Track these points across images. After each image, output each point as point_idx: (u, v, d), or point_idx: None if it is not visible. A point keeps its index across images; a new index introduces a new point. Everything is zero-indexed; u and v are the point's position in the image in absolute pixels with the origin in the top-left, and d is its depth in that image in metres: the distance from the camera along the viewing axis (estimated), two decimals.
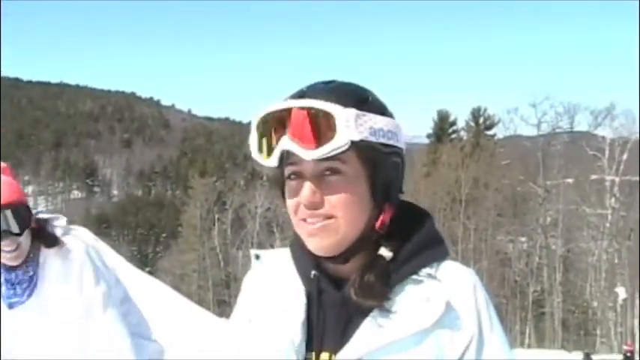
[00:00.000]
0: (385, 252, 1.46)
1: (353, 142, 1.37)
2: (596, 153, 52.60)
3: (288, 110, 1.39)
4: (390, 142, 1.44)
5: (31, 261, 3.03)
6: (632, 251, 46.20)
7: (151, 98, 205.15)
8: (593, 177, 53.74)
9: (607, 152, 51.89)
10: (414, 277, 1.45)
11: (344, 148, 1.36)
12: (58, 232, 3.10)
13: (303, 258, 1.53)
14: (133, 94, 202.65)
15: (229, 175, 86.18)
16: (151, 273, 41.99)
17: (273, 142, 1.42)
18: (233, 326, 1.67)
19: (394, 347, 1.39)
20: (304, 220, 1.44)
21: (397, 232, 1.48)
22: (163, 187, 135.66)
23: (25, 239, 2.96)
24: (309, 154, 1.37)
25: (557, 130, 54.72)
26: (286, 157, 1.42)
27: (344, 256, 1.45)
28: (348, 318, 1.46)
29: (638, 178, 50.13)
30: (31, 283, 3.03)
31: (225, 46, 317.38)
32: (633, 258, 45.53)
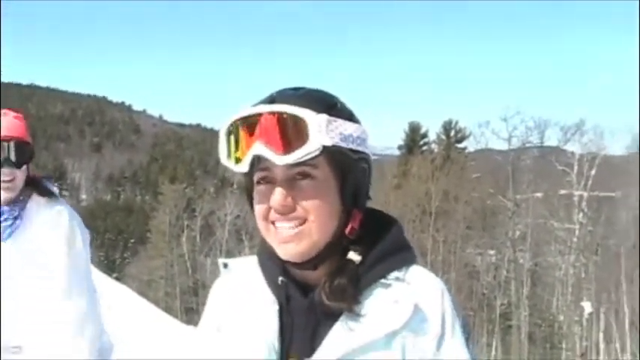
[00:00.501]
0: (354, 256, 1.47)
1: (324, 148, 1.38)
2: (565, 168, 53.02)
3: (259, 115, 1.40)
4: (359, 149, 1.46)
5: (19, 202, 3.20)
6: (598, 266, 46.70)
7: (123, 103, 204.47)
8: (562, 192, 54.19)
9: (576, 167, 52.35)
10: (383, 280, 1.47)
11: (316, 153, 1.38)
12: (52, 188, 3.33)
13: (271, 265, 1.54)
14: (104, 98, 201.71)
15: (199, 181, 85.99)
16: (118, 279, 41.88)
17: (244, 147, 1.42)
18: (203, 335, 1.65)
19: (364, 350, 1.41)
20: (274, 225, 1.44)
21: (365, 238, 1.50)
22: (133, 193, 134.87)
23: (21, 176, 3.19)
24: (281, 159, 1.38)
25: (528, 145, 55.12)
26: (256, 163, 1.42)
27: (313, 262, 1.46)
28: (316, 323, 1.46)
29: (606, 194, 50.72)
30: (14, 224, 3.16)
31: (197, 53, 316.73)
32: (599, 273, 46.06)
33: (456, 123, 62.33)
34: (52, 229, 3.19)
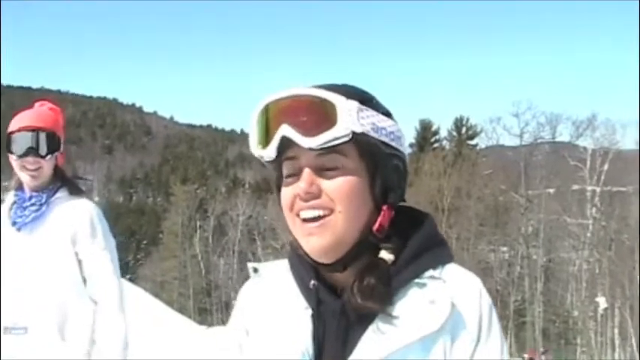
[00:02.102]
0: (386, 255, 1.40)
1: (354, 136, 1.34)
2: (578, 163, 52.89)
3: (290, 99, 1.36)
4: (393, 144, 1.40)
5: (48, 191, 3.28)
6: (612, 261, 46.48)
7: (133, 105, 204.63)
8: (575, 187, 54.04)
9: (588, 163, 52.22)
10: (417, 280, 1.39)
11: (345, 139, 1.33)
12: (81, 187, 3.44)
13: (301, 268, 1.47)
14: (115, 100, 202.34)
15: (211, 182, 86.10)
16: (131, 280, 42.06)
17: (272, 131, 1.37)
18: (233, 340, 1.59)
19: (399, 354, 1.34)
20: (299, 216, 1.38)
21: (397, 236, 1.42)
22: (144, 194, 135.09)
23: (48, 166, 3.26)
24: (308, 142, 1.33)
25: (540, 141, 54.98)
26: (285, 152, 1.37)
27: (342, 262, 1.39)
28: (348, 327, 1.40)
29: (618, 189, 50.52)
30: (39, 210, 3.23)
31: (208, 54, 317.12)
32: (614, 268, 45.82)
33: (467, 120, 62.39)
34: (89, 224, 3.26)
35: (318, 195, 1.35)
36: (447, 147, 61.14)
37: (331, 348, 1.41)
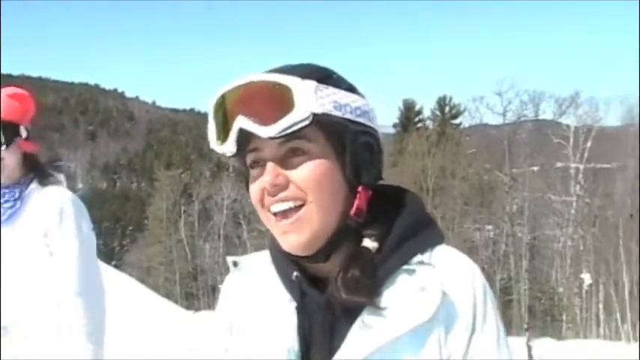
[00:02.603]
0: (369, 243, 1.32)
1: (316, 118, 1.25)
2: (561, 141, 53.14)
3: (243, 87, 1.28)
4: (360, 120, 1.31)
5: (20, 185, 3.15)
6: (596, 238, 46.84)
7: (115, 90, 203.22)
8: (558, 165, 54.32)
9: (571, 140, 52.48)
10: (406, 267, 1.31)
11: (305, 122, 1.24)
12: (55, 176, 3.27)
13: (283, 260, 1.39)
14: (96, 85, 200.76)
15: (195, 166, 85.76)
16: (117, 267, 41.98)
17: (228, 124, 1.29)
18: (216, 339, 1.52)
19: (390, 348, 1.26)
20: (269, 210, 1.30)
21: (381, 219, 1.34)
22: (129, 180, 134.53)
23: (9, 157, 3.11)
24: (266, 131, 1.24)
25: (523, 119, 55.16)
26: (246, 144, 1.29)
27: (323, 253, 1.31)
28: (335, 320, 1.32)
29: (602, 165, 50.80)
30: (14, 206, 3.12)
31: (189, 36, 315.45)
32: (598, 244, 46.21)
33: (451, 99, 62.48)
34: (58, 213, 3.10)
35: (285, 186, 1.28)
36: (431, 127, 61.22)
37: (318, 343, 1.34)
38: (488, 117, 57.28)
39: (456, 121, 61.47)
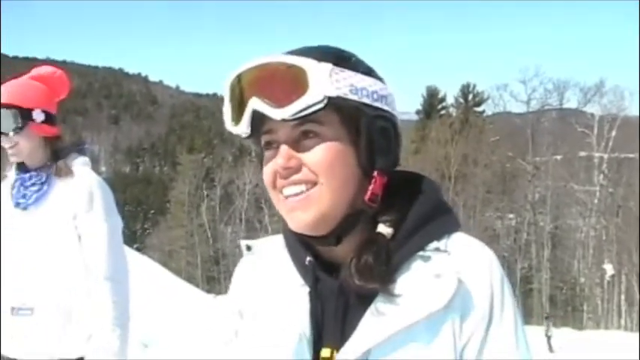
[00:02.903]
0: (384, 228, 1.29)
1: (331, 101, 1.22)
2: (585, 130, 52.74)
3: (258, 68, 1.26)
4: (376, 104, 1.28)
5: (46, 168, 3.17)
6: (619, 228, 46.49)
7: (139, 74, 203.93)
8: (582, 154, 53.91)
9: (596, 129, 52.05)
10: (421, 253, 1.28)
11: (319, 106, 1.21)
12: (80, 160, 3.27)
13: (297, 244, 1.37)
14: (120, 70, 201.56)
15: (217, 151, 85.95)
16: (139, 250, 42.20)
17: (242, 105, 1.27)
18: (227, 322, 1.51)
19: (403, 336, 1.24)
20: (282, 192, 1.28)
21: (398, 205, 1.32)
22: (151, 164, 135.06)
23: (24, 141, 3.13)
24: (279, 113, 1.22)
25: (547, 107, 54.81)
26: (260, 126, 1.27)
27: (334, 235, 1.29)
28: (347, 307, 1.30)
29: (626, 155, 50.34)
30: (41, 190, 3.16)
31: (213, 21, 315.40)
32: (621, 235, 45.85)
33: (474, 86, 62.15)
34: (88, 197, 3.13)
35: (298, 169, 1.26)
36: (454, 114, 60.89)
37: (330, 329, 1.31)
38: (512, 105, 57.25)
39: (480, 109, 61.16)
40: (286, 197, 1.28)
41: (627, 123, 51.88)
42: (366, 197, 1.29)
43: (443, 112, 62.65)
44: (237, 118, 1.30)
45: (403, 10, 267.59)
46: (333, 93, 1.22)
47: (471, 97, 61.71)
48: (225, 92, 1.32)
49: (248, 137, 1.31)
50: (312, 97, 1.21)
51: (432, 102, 62.72)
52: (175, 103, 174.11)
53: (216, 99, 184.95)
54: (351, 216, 1.29)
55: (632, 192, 47.70)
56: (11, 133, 3.10)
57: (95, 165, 3.54)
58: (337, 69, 1.25)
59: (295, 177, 1.26)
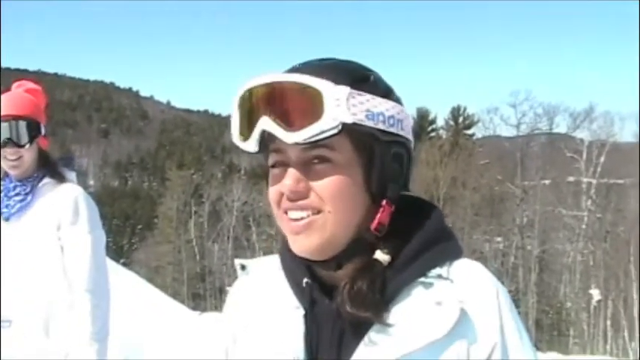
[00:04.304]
0: (381, 255, 1.26)
1: (345, 126, 1.18)
2: (574, 155, 52.96)
3: (270, 86, 1.21)
4: (392, 130, 1.24)
5: (32, 179, 3.20)
6: (607, 253, 46.61)
7: (130, 89, 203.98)
8: (570, 179, 54.12)
9: (584, 154, 52.29)
10: (422, 279, 1.25)
11: (332, 132, 1.18)
12: (67, 173, 3.31)
13: (294, 265, 1.34)
14: (111, 84, 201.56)
15: (207, 167, 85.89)
16: (125, 264, 42.02)
17: (252, 122, 1.23)
18: (216, 344, 1.47)
19: None
20: (286, 213, 1.24)
21: (399, 230, 1.28)
22: (140, 179, 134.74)
23: (29, 154, 3.17)
24: (290, 137, 1.19)
25: (536, 132, 55.06)
26: (270, 143, 1.23)
27: (335, 261, 1.26)
28: (344, 332, 1.26)
29: (615, 181, 50.57)
30: (25, 200, 3.16)
31: (205, 38, 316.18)
32: (608, 260, 45.97)
33: (465, 109, 62.34)
34: (72, 209, 3.14)
35: (305, 195, 1.23)
36: (444, 136, 61.11)
37: (325, 354, 1.28)
38: (502, 129, 57.24)
39: (470, 132, 61.35)
40: (290, 220, 1.26)
41: (616, 149, 52.19)
42: (373, 227, 1.26)
43: (433, 134, 62.85)
44: (245, 134, 1.25)
45: (393, 33, 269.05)
46: (349, 120, 1.19)
47: (461, 119, 61.92)
48: (234, 104, 1.27)
49: (255, 153, 1.27)
50: (326, 123, 1.18)
51: (422, 124, 62.87)
52: (166, 119, 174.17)
53: (207, 115, 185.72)
54: (355, 242, 1.27)
55: (621, 218, 47.93)
56: (27, 145, 3.14)
57: (84, 178, 3.54)
58: (355, 92, 1.21)
59: (302, 202, 1.24)
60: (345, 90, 1.20)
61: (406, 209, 1.32)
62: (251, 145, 1.24)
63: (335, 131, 1.18)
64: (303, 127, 1.18)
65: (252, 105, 1.24)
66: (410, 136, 1.31)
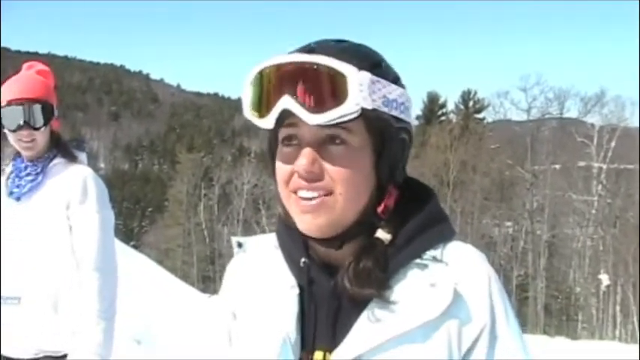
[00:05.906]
0: (383, 234, 1.29)
1: (363, 111, 1.20)
2: (585, 140, 52.77)
3: (294, 65, 1.22)
4: (402, 117, 1.28)
5: (43, 160, 3.24)
6: (616, 239, 46.49)
7: (140, 72, 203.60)
8: (581, 164, 53.93)
9: (595, 139, 52.09)
10: (417, 261, 1.28)
11: (353, 116, 1.19)
12: (78, 154, 3.36)
13: (292, 244, 1.36)
14: (122, 67, 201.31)
15: (217, 150, 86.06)
16: (135, 247, 42.14)
17: (271, 100, 1.23)
18: (218, 324, 1.48)
19: (397, 343, 1.23)
20: (296, 193, 1.26)
21: (397, 212, 1.31)
22: (150, 162, 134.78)
23: (42, 136, 3.21)
24: (313, 119, 1.19)
25: (547, 116, 54.86)
26: (282, 118, 1.24)
27: (339, 239, 1.28)
28: (340, 311, 1.29)
29: (625, 166, 50.36)
30: (35, 180, 3.21)
31: (216, 21, 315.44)
32: (617, 245, 45.84)
33: (475, 93, 62.09)
34: (81, 189, 3.18)
35: (319, 175, 1.24)
36: (454, 120, 60.87)
37: (323, 334, 1.29)
38: (512, 113, 57.10)
39: (480, 116, 61.12)
40: (300, 198, 1.26)
41: (627, 134, 51.94)
42: (380, 210, 1.29)
43: (443, 118, 62.57)
44: (262, 111, 1.25)
45: (404, 15, 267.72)
46: (369, 105, 1.21)
47: (471, 103, 61.66)
48: (249, 81, 1.27)
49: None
50: (349, 108, 1.19)
51: (433, 108, 62.67)
52: (176, 102, 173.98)
53: (217, 98, 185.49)
54: (360, 223, 1.28)
55: (631, 203, 47.72)
56: (43, 128, 3.19)
57: (94, 161, 3.57)
58: (375, 79, 1.23)
59: (315, 183, 1.24)
60: (367, 76, 1.21)
61: (405, 191, 1.34)
62: (268, 122, 1.24)
63: (355, 115, 1.20)
64: (327, 109, 1.19)
65: (273, 82, 1.24)
66: (411, 121, 1.33)
